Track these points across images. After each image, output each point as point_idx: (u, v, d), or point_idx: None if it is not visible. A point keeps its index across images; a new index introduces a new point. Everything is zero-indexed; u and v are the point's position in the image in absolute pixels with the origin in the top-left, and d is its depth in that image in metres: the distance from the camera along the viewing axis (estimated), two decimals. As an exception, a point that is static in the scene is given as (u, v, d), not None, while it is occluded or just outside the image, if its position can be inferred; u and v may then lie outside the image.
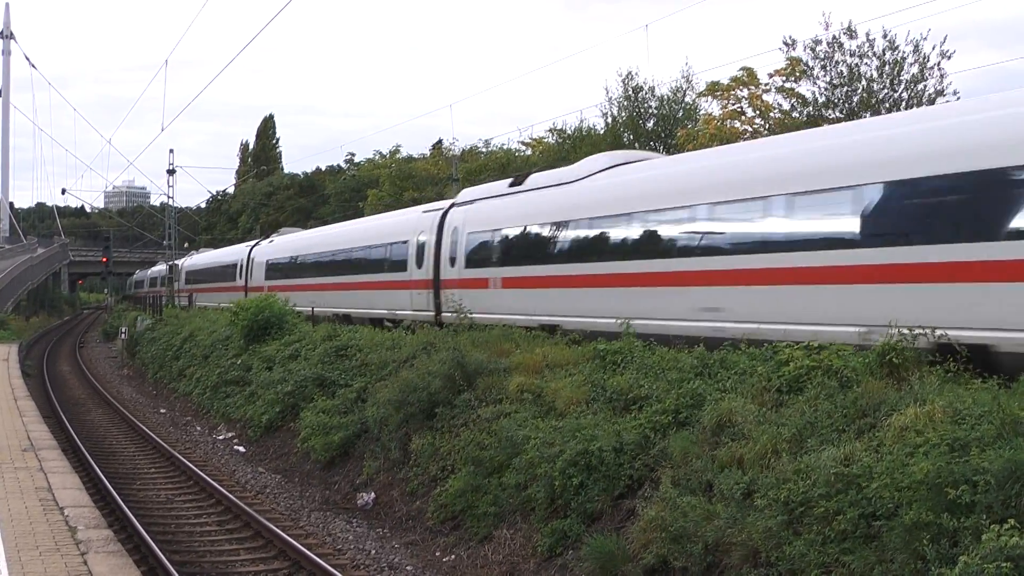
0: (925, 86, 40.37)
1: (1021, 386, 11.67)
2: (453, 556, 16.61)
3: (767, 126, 45.70)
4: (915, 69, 40.42)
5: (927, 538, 9.48)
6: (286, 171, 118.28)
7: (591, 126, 54.49)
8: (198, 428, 32.91)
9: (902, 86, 40.32)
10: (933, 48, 39.92)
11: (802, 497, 11.10)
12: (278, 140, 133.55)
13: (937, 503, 9.66)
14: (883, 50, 40.29)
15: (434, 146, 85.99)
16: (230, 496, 20.84)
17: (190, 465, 24.51)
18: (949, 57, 39.91)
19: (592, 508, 14.62)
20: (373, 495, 20.46)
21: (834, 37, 40.72)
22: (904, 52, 40.18)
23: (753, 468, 12.34)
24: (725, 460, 12.92)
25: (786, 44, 42.05)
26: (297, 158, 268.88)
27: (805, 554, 10.58)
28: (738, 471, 12.48)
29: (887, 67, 40.31)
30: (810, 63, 41.52)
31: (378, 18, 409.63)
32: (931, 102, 39.09)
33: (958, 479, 9.71)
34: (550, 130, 59.79)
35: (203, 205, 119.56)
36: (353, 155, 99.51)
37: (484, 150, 71.01)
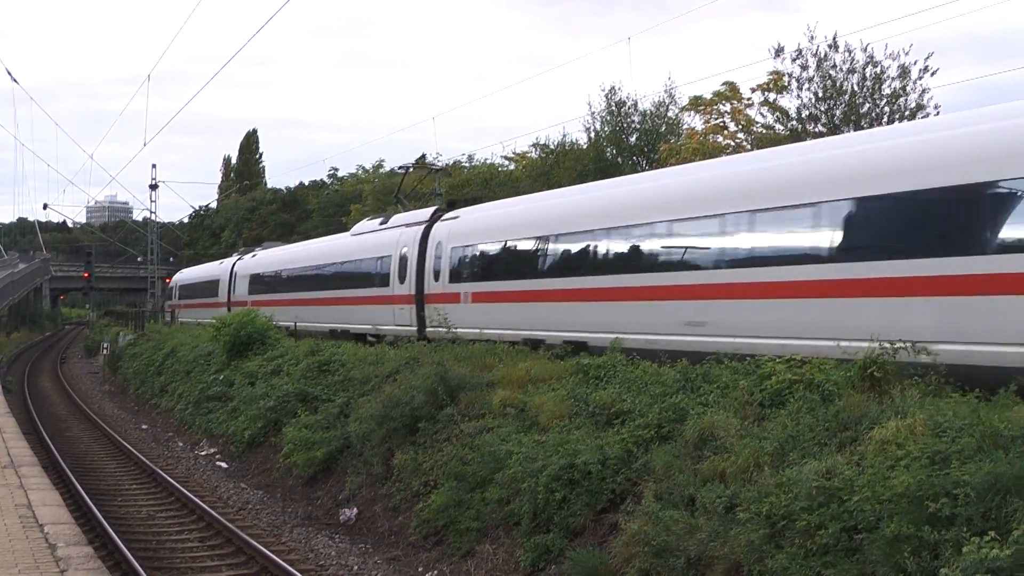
0: (907, 100, 40.46)
1: (1001, 399, 11.72)
2: (435, 571, 16.57)
3: (750, 140, 45.76)
4: (896, 84, 40.51)
5: (908, 551, 9.49)
6: (269, 186, 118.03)
7: (574, 141, 54.48)
8: (180, 444, 32.80)
9: (884, 101, 40.41)
10: (915, 63, 40.05)
11: (784, 511, 11.10)
12: (261, 155, 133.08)
13: (918, 516, 9.67)
14: (864, 64, 40.38)
15: (418, 160, 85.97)
16: (212, 512, 20.76)
17: (172, 481, 24.44)
18: (933, 73, 40.01)
19: (575, 523, 14.60)
20: (355, 510, 20.40)
21: (819, 48, 40.79)
22: (885, 66, 40.29)
23: (735, 482, 12.35)
24: (707, 474, 12.94)
25: (774, 52, 42.09)
26: (280, 172, 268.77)
27: (787, 567, 10.58)
28: (720, 485, 12.49)
29: (868, 81, 40.40)
30: (795, 74, 41.54)
31: (363, 31, 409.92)
32: (912, 116, 39.18)
33: (939, 492, 9.73)
34: (533, 145, 59.76)
35: (186, 220, 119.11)
36: (336, 170, 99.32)
37: (467, 165, 70.92)
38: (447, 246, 29.18)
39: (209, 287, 59.19)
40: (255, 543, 18.11)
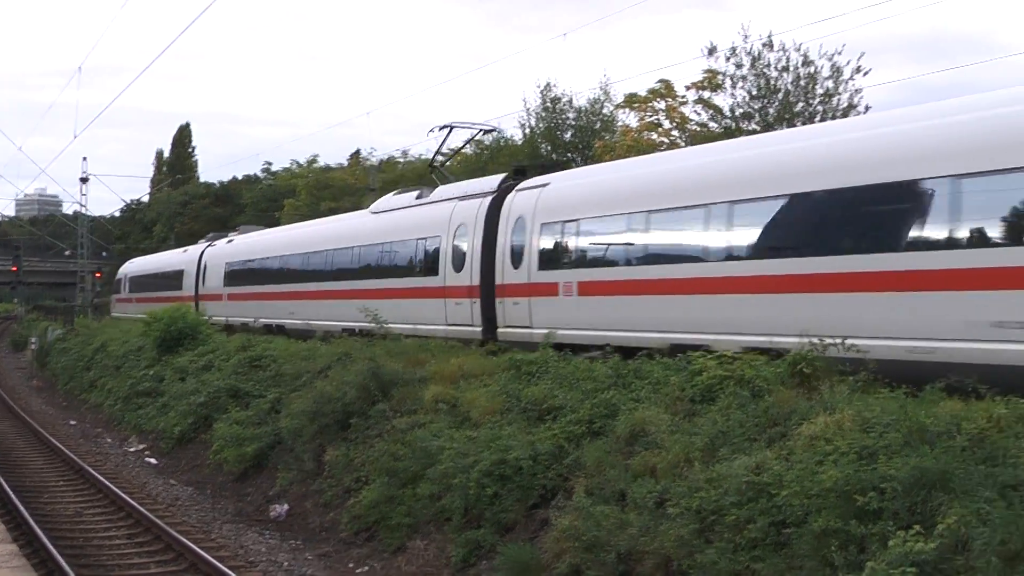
0: (839, 100, 40.90)
1: (927, 395, 11.87)
2: (367, 567, 16.49)
3: (684, 138, 46.04)
4: (830, 83, 40.92)
5: (835, 545, 9.58)
6: (202, 180, 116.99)
7: (509, 137, 54.47)
8: (109, 440, 32.36)
9: (817, 100, 40.81)
10: (848, 63, 40.49)
11: (714, 505, 11.17)
12: (194, 149, 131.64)
13: (845, 510, 9.77)
14: (798, 64, 40.77)
15: (352, 156, 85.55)
16: (140, 509, 20.47)
17: (100, 478, 24.07)
18: (865, 73, 40.50)
19: (506, 518, 14.61)
20: (286, 507, 20.26)
21: (753, 46, 41.10)
22: (819, 66, 40.70)
23: (666, 477, 12.41)
24: (638, 469, 12.98)
25: (707, 51, 42.35)
26: (214, 166, 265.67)
27: (716, 562, 10.64)
28: (651, 480, 12.54)
29: (802, 81, 40.78)
30: (730, 72, 41.83)
31: (297, 24, 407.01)
32: (844, 115, 39.61)
33: (866, 486, 9.83)
34: (468, 140, 59.69)
35: (117, 214, 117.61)
36: (270, 164, 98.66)
37: (402, 160, 70.75)
38: (534, 222, 22.99)
39: (170, 279, 52.28)
40: (184, 540, 17.88)
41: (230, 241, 47.62)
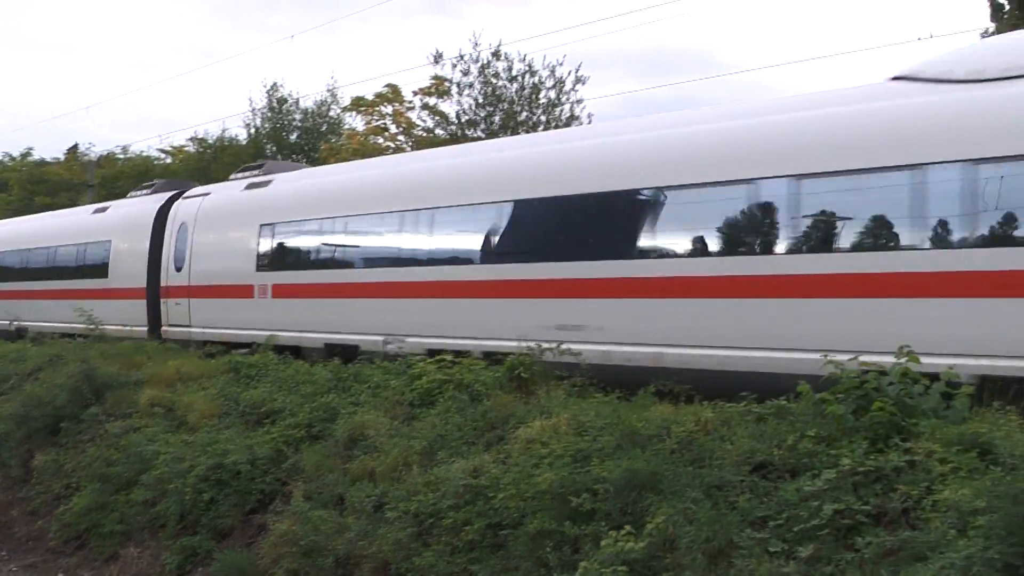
0: (561, 111, 41.97)
1: (640, 399, 12.26)
2: (75, 578, 15.87)
3: (410, 143, 46.30)
4: (552, 94, 41.95)
5: (550, 545, 9.74)
6: None
7: (234, 136, 53.53)
8: None
9: (540, 110, 41.77)
10: (569, 74, 41.58)
11: (432, 509, 11.20)
12: None
13: (560, 512, 9.94)
14: (522, 74, 41.61)
15: (69, 150, 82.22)
16: None
17: None
18: (584, 83, 41.71)
19: (223, 524, 14.27)
20: (-12, 516, 19.28)
21: (480, 55, 41.70)
22: (542, 76, 41.65)
23: (384, 481, 12.38)
24: (357, 473, 12.91)
25: (433, 58, 42.72)
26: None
27: (434, 564, 10.66)
28: (370, 484, 12.49)
29: (526, 91, 41.66)
30: (457, 80, 42.31)
31: (12, 8, 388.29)
32: (567, 125, 40.70)
33: (580, 488, 10.03)
34: (191, 139, 58.34)
35: None
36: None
37: (122, 156, 68.50)
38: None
39: None
40: None
41: None
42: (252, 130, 52.04)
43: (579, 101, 41.89)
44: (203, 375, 18.93)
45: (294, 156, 49.17)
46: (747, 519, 8.94)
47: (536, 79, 41.69)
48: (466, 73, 41.77)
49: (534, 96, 41.75)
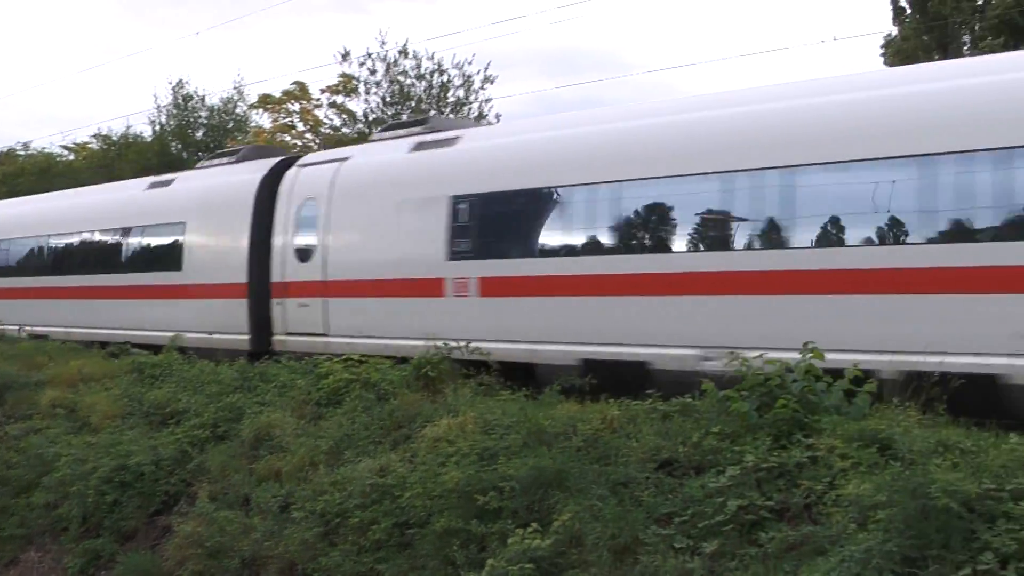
0: (470, 109, 42.01)
1: (546, 397, 12.33)
2: (-29, 585, 15.54)
3: (318, 141, 46.05)
4: (461, 92, 41.98)
5: (457, 544, 9.77)
6: None
7: (138, 133, 52.76)
8: None
9: (449, 108, 41.76)
10: (478, 72, 41.64)
11: (338, 508, 11.18)
12: None
13: (467, 510, 9.97)
14: (431, 72, 41.59)
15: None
16: None
17: None
18: (492, 82, 41.78)
19: (127, 526, 14.07)
20: None
21: (388, 53, 41.59)
22: (452, 75, 41.68)
23: (291, 481, 12.32)
24: (263, 473, 12.84)
25: (340, 56, 42.54)
26: None
27: (341, 564, 10.64)
28: (276, 484, 12.42)
29: (434, 89, 41.63)
30: (364, 79, 42.16)
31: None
32: (476, 124, 40.76)
33: (486, 487, 10.07)
34: (95, 136, 57.37)
35: None
36: None
37: (23, 153, 67.20)
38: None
39: None
40: None
41: None
42: (157, 127, 51.38)
43: (488, 100, 41.99)
44: (106, 375, 18.66)
45: (199, 154, 48.65)
46: (653, 516, 9.06)
47: (445, 78, 41.70)
48: (373, 72, 41.64)
49: (442, 95, 41.74)
